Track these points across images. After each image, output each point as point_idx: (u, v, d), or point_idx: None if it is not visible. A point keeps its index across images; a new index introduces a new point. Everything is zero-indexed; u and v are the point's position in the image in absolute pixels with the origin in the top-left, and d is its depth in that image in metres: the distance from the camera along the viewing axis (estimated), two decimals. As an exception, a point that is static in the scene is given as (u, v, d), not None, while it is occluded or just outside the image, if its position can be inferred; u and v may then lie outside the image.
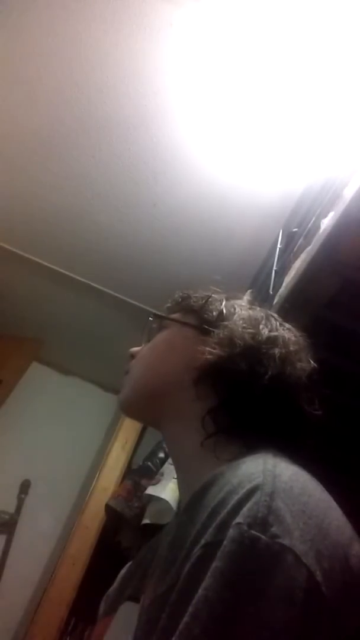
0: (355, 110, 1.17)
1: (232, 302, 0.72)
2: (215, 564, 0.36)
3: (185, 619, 0.35)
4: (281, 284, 1.07)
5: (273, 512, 0.38)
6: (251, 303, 0.74)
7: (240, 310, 0.69)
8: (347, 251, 0.77)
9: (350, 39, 1.18)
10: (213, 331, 0.65)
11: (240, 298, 0.75)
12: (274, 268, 1.24)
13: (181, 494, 0.64)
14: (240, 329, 0.63)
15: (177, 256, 1.91)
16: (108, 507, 1.53)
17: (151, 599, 0.47)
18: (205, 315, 0.70)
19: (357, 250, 0.76)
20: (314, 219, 1.00)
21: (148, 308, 2.18)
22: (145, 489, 1.43)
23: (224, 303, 0.71)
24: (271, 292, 1.13)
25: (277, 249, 1.32)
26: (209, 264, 1.82)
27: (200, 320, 0.70)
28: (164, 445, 1.62)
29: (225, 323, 0.66)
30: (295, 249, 1.09)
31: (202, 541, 0.39)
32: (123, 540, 1.50)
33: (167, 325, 0.74)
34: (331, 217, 0.84)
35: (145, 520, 1.38)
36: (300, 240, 1.07)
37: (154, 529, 1.30)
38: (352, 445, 1.11)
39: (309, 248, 0.91)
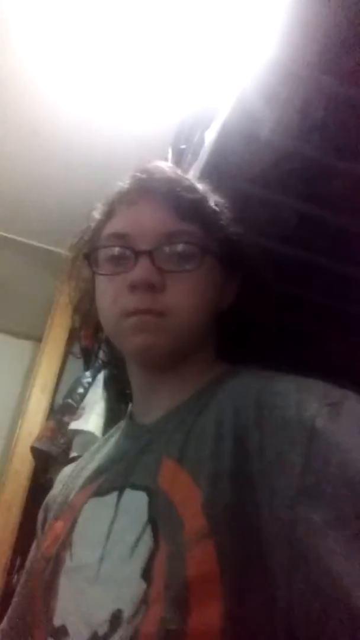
0: (225, 26, 1.13)
1: (229, 214, 0.64)
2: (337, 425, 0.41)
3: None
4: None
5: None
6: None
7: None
8: (231, 163, 0.78)
9: None
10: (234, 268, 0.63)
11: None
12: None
13: (146, 407, 0.65)
14: (255, 269, 0.64)
15: (64, 188, 1.82)
16: (34, 449, 1.54)
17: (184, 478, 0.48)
18: (229, 244, 0.62)
19: (240, 162, 0.77)
20: (199, 133, 0.99)
21: (45, 246, 2.09)
22: (69, 424, 1.45)
23: (234, 226, 0.63)
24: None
25: (168, 169, 1.29)
26: (99, 191, 1.75)
27: (225, 250, 0.61)
28: (83, 381, 1.63)
29: (242, 259, 0.64)
30: (185, 167, 1.08)
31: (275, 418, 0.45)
32: (54, 477, 1.53)
33: (202, 257, 0.58)
34: (213, 130, 0.83)
35: (73, 454, 1.41)
36: (189, 157, 1.06)
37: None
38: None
39: (196, 163, 0.90)
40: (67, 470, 0.76)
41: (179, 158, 1.20)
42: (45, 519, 0.69)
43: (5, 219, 2.03)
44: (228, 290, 0.64)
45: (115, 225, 0.62)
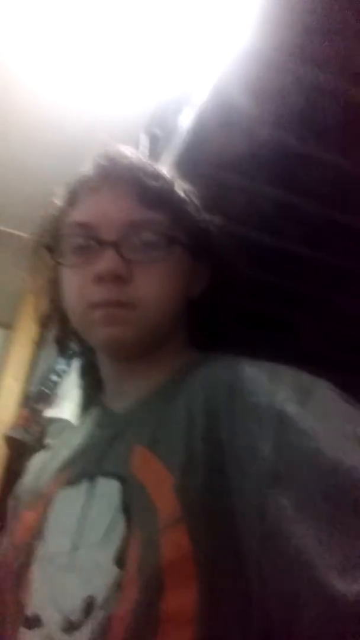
0: (202, 11, 1.11)
1: (197, 201, 0.63)
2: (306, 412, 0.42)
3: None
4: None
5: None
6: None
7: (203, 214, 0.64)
8: (207, 150, 0.77)
9: None
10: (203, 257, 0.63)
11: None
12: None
13: (117, 395, 0.65)
14: (225, 257, 0.64)
15: (34, 171, 1.78)
16: (8, 438, 1.53)
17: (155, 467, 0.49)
18: (198, 232, 0.61)
19: (215, 149, 0.77)
20: (172, 118, 0.98)
21: (14, 231, 2.05)
22: (43, 412, 1.44)
23: (202, 213, 0.62)
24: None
25: (141, 153, 1.28)
26: (69, 176, 1.72)
27: (193, 238, 0.60)
28: (57, 369, 1.61)
29: (211, 247, 0.63)
30: (158, 151, 1.07)
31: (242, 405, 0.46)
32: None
33: (169, 247, 0.57)
34: (188, 116, 0.83)
35: (48, 441, 1.40)
36: (163, 142, 1.05)
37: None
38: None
39: (170, 149, 0.89)
40: (37, 459, 0.75)
41: (153, 143, 1.19)
42: (15, 508, 0.69)
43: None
44: (198, 279, 0.64)
45: (78, 214, 0.60)
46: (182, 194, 0.61)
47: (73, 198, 0.62)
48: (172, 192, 0.60)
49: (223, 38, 0.68)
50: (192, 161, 0.83)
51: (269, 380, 0.47)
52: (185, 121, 0.86)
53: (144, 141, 1.33)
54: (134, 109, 1.52)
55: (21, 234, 2.08)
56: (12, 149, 1.74)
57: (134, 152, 0.63)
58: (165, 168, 0.93)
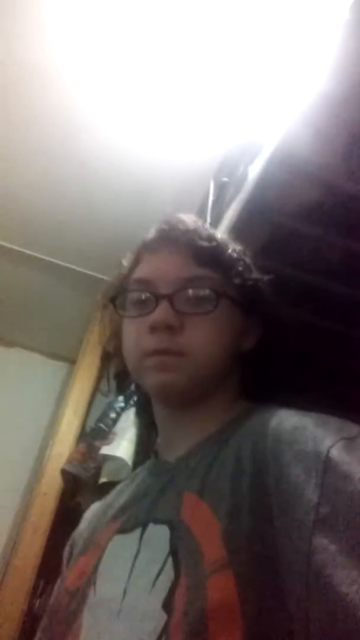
0: (275, 61, 1.16)
1: (248, 260, 0.67)
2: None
3: None
4: (215, 235, 1.07)
5: None
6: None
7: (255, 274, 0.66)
8: (275, 198, 0.79)
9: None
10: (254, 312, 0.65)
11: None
12: (208, 220, 1.24)
13: (168, 444, 0.67)
14: (274, 308, 0.66)
15: (108, 215, 1.87)
16: (64, 472, 1.54)
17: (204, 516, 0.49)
18: (248, 288, 0.64)
19: (284, 197, 0.78)
20: (242, 167, 1.00)
21: (85, 271, 2.14)
22: (100, 449, 1.45)
23: (253, 271, 0.65)
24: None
25: (210, 201, 1.32)
26: (141, 220, 1.79)
27: (244, 295, 0.64)
28: (115, 406, 1.63)
29: (262, 303, 0.65)
30: (227, 200, 1.10)
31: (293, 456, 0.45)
32: (83, 502, 1.52)
33: (218, 300, 0.60)
34: (257, 165, 0.85)
35: (103, 479, 1.41)
36: (231, 190, 1.07)
37: (112, 487, 1.32)
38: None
39: (239, 197, 0.91)
40: (94, 507, 0.77)
41: (221, 191, 1.22)
42: (70, 554, 0.70)
43: (48, 244, 2.09)
44: (249, 333, 0.66)
45: (140, 271, 0.66)
46: (233, 254, 0.65)
47: (137, 259, 0.68)
48: (223, 252, 0.64)
49: (293, 86, 0.70)
50: (259, 209, 0.84)
51: (315, 428, 0.47)
52: (254, 169, 0.88)
53: (212, 188, 1.37)
54: (203, 156, 1.57)
55: (87, 271, 2.17)
56: (85, 192, 1.84)
57: (190, 218, 0.68)
58: (222, 229, 0.96)
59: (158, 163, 1.66)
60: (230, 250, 0.65)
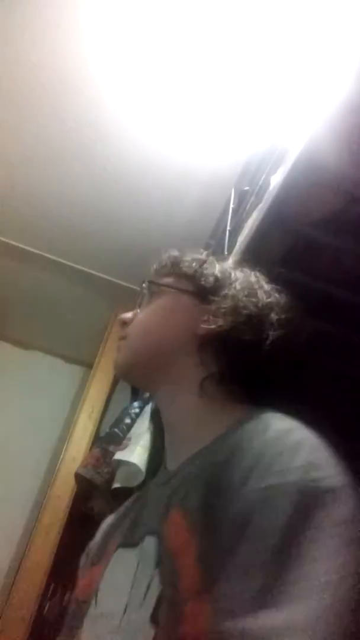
0: (299, 68, 1.16)
1: (223, 265, 0.73)
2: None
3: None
4: (235, 244, 1.07)
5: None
6: (236, 264, 0.76)
7: (234, 274, 0.71)
8: (296, 207, 0.78)
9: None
10: (214, 299, 0.67)
11: (224, 260, 0.77)
12: (228, 228, 1.24)
13: (171, 452, 0.67)
14: (242, 297, 0.66)
15: (129, 221, 1.89)
16: (78, 476, 1.54)
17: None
18: (202, 282, 0.70)
19: (305, 206, 0.77)
20: (264, 176, 1.00)
21: (104, 276, 2.16)
22: (114, 454, 1.45)
23: (217, 268, 0.71)
24: (226, 253, 1.13)
25: (230, 209, 1.32)
26: (162, 227, 1.80)
27: (198, 287, 0.70)
28: (130, 412, 1.63)
29: (226, 291, 0.68)
30: (247, 208, 1.10)
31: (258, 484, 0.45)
32: (95, 506, 1.52)
33: (163, 292, 0.73)
34: (280, 174, 0.84)
35: (116, 484, 1.41)
36: (252, 199, 1.07)
37: (125, 492, 1.32)
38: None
39: (260, 206, 0.91)
40: (109, 519, 0.77)
41: (242, 199, 1.22)
42: (84, 565, 0.71)
43: (69, 248, 2.11)
44: (209, 319, 0.67)
45: None
46: (187, 259, 0.74)
47: None
48: (178, 260, 0.75)
49: (318, 95, 0.70)
50: (279, 217, 0.84)
51: (286, 465, 0.45)
52: (276, 178, 0.88)
53: (233, 196, 1.37)
54: (225, 165, 1.58)
55: (106, 276, 2.19)
56: (106, 201, 1.86)
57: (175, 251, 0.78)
58: (251, 223, 0.95)
59: (180, 171, 1.67)
60: (187, 258, 0.74)
